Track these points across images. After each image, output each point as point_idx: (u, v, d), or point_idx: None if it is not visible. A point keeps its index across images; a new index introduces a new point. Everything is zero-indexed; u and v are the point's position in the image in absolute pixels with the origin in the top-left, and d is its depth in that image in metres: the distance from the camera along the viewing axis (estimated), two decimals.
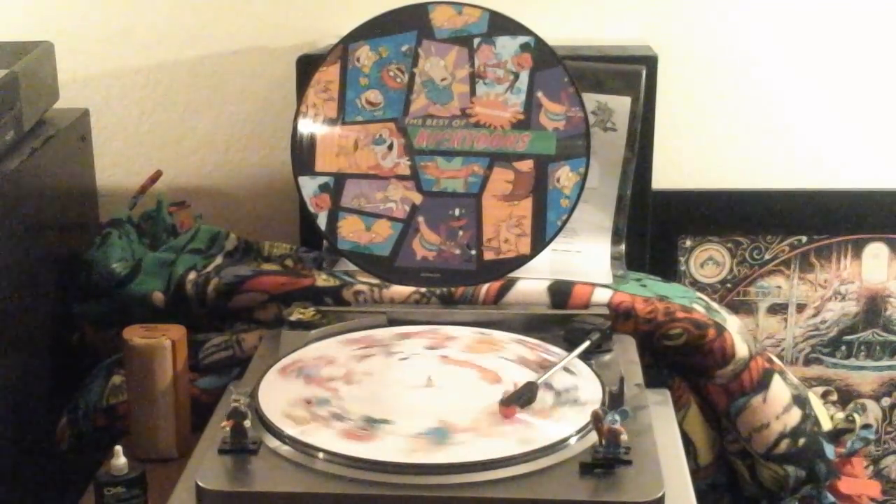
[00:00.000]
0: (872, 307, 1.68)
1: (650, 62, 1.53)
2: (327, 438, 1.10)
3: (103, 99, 1.69)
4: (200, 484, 1.05)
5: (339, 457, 1.07)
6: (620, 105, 1.51)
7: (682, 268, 1.67)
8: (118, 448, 1.19)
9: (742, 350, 1.38)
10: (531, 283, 1.41)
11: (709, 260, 1.67)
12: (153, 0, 1.65)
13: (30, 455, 1.38)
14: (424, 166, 1.38)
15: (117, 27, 1.66)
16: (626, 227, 1.53)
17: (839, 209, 1.65)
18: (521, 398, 1.16)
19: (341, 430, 1.12)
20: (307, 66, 1.50)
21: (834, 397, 1.70)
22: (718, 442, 1.44)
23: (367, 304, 1.41)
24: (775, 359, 1.44)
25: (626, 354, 1.32)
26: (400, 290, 1.42)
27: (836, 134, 1.66)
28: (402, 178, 1.38)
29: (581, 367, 1.25)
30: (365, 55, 1.38)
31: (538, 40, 1.37)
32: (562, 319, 1.36)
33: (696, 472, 1.39)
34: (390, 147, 1.38)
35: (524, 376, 1.21)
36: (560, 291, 1.41)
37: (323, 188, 1.38)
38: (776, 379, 1.39)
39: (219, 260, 1.51)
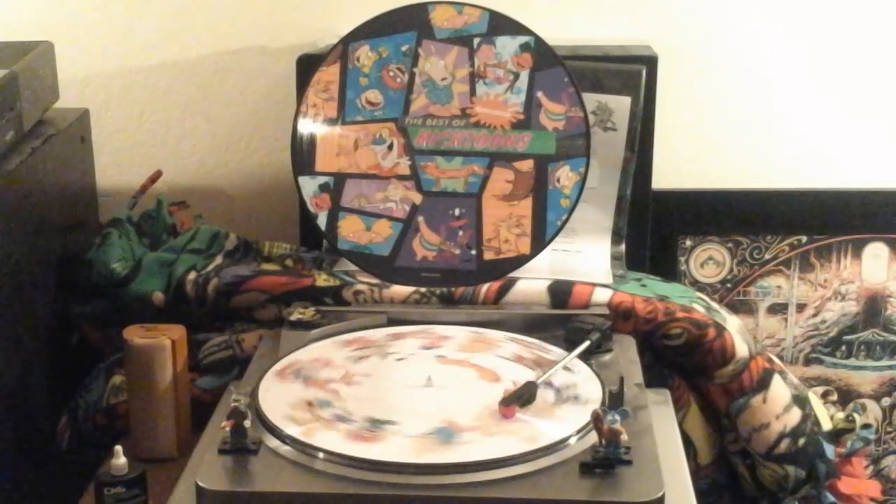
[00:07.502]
0: (872, 307, 1.68)
1: (650, 62, 1.54)
2: (328, 438, 1.10)
3: (103, 99, 1.69)
4: (200, 484, 1.05)
5: (339, 457, 1.07)
6: (620, 105, 1.51)
7: (682, 268, 1.67)
8: (118, 448, 1.19)
9: (742, 350, 1.38)
10: (531, 283, 1.41)
11: (709, 260, 1.67)
12: (153, 0, 1.65)
13: (30, 455, 1.37)
14: (424, 166, 1.38)
15: (117, 27, 1.66)
16: (626, 227, 1.53)
17: (839, 209, 1.65)
18: (521, 398, 1.15)
19: (343, 431, 1.12)
20: (307, 66, 1.50)
21: (834, 397, 1.70)
22: (718, 442, 1.44)
23: (367, 304, 1.41)
24: (775, 359, 1.44)
25: (626, 354, 1.32)
26: (400, 290, 1.42)
27: (837, 134, 1.66)
28: (402, 177, 1.38)
29: (581, 367, 1.25)
30: (365, 55, 1.38)
31: (538, 40, 1.37)
32: (562, 319, 1.36)
33: (696, 472, 1.39)
34: (390, 147, 1.38)
35: (523, 376, 1.21)
36: (560, 291, 1.41)
37: (323, 188, 1.38)
38: (776, 379, 1.39)
39: (219, 260, 1.51)
